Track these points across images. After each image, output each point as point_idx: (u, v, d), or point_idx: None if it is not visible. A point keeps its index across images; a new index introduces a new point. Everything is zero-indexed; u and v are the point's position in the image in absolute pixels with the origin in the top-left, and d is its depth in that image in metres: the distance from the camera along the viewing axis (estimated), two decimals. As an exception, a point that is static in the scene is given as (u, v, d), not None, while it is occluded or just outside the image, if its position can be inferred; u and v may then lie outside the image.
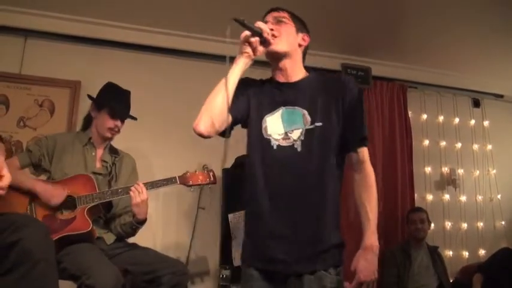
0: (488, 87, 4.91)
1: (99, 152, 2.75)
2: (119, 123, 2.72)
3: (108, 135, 2.72)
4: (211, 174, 2.75)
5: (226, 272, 2.70)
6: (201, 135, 1.75)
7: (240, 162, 3.43)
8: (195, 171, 2.71)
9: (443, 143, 4.68)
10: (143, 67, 3.87)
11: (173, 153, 3.76)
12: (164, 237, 3.62)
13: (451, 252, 4.40)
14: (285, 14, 1.89)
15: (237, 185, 3.39)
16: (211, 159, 3.66)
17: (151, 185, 2.58)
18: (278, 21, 1.86)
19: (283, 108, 1.82)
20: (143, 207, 2.54)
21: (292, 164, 1.75)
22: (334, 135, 1.78)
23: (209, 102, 1.74)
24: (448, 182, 4.61)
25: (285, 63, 1.87)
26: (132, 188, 2.52)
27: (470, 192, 4.67)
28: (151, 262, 2.49)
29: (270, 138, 1.79)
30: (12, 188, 2.45)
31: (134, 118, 2.84)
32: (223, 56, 1.72)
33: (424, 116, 4.68)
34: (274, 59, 1.88)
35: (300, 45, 1.91)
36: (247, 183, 1.84)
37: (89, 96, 2.81)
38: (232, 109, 1.74)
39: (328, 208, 1.75)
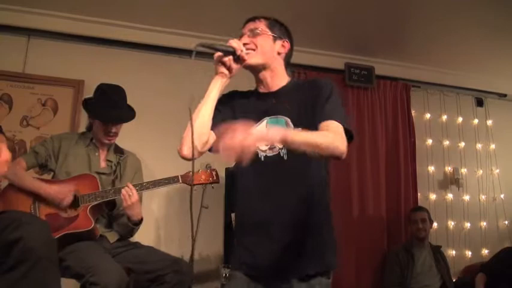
0: (492, 86, 4.90)
1: (103, 151, 2.76)
2: (113, 129, 2.69)
3: (106, 141, 2.71)
4: (214, 173, 2.70)
5: (229, 271, 2.70)
6: (185, 158, 1.79)
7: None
8: (198, 171, 2.67)
9: (446, 143, 4.67)
10: (147, 66, 3.87)
11: (175, 152, 3.75)
12: (167, 236, 3.63)
13: (454, 252, 4.39)
14: (261, 24, 1.86)
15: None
16: (214, 158, 3.67)
17: (153, 184, 2.57)
18: (253, 33, 1.83)
19: (267, 118, 1.81)
20: (135, 209, 2.53)
21: (280, 172, 1.75)
22: None
23: (189, 127, 1.69)
24: (452, 181, 4.60)
25: (264, 74, 1.85)
26: (123, 191, 2.49)
27: (473, 191, 4.66)
28: (154, 261, 2.49)
29: (257, 150, 1.76)
30: (16, 188, 2.48)
31: (130, 118, 2.76)
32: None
33: (428, 115, 4.67)
34: (253, 71, 1.87)
35: (279, 53, 1.87)
36: (239, 194, 1.87)
37: (83, 105, 2.79)
38: (216, 126, 1.74)
39: (318, 212, 1.76)
